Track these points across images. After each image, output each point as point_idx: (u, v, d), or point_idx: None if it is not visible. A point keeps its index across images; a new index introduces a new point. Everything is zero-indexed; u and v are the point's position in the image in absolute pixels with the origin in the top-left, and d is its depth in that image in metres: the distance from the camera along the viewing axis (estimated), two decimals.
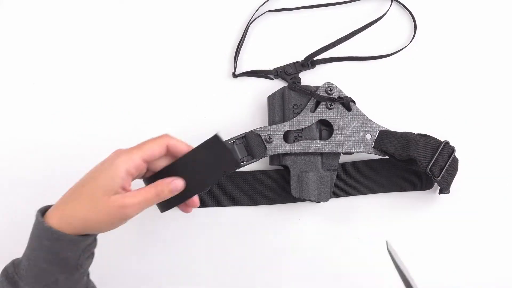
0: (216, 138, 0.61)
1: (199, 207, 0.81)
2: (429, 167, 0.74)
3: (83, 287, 0.64)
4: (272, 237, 0.82)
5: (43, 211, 0.61)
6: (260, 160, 0.77)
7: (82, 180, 0.61)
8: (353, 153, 0.78)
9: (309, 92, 0.78)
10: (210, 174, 0.63)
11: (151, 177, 0.63)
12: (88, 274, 0.65)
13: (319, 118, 0.78)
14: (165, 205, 0.64)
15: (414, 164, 0.75)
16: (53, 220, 0.59)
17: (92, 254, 0.64)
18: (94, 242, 0.63)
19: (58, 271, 0.60)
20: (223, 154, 0.62)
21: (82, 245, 0.60)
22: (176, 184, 0.61)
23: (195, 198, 0.65)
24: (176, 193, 0.62)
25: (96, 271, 0.66)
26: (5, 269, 0.62)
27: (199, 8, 0.86)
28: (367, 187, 0.82)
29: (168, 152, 0.62)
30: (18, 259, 0.63)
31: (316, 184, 0.78)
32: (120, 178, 0.59)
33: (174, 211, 0.82)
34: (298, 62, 0.84)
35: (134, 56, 0.85)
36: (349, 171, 0.81)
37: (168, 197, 0.61)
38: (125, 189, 0.60)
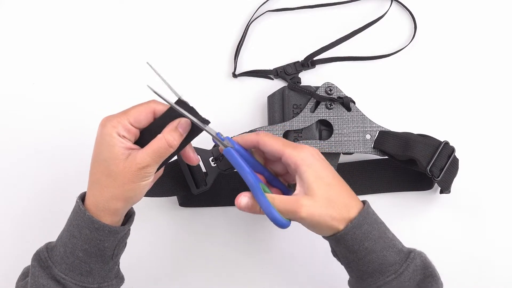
0: (172, 109, 0.60)
1: (199, 206, 0.82)
2: (429, 167, 0.73)
3: (114, 276, 0.65)
4: (272, 237, 0.82)
5: (83, 198, 0.61)
6: None
7: (92, 165, 0.60)
8: (352, 153, 0.78)
9: (309, 92, 0.78)
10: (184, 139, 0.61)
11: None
12: (118, 264, 0.66)
13: (319, 118, 0.78)
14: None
15: (414, 164, 0.75)
16: (91, 208, 0.60)
17: (125, 244, 0.65)
18: (128, 232, 0.64)
19: (94, 261, 0.61)
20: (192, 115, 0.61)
21: (119, 235, 0.61)
22: (183, 124, 0.60)
23: (192, 155, 0.64)
24: (185, 134, 0.60)
25: None
26: (38, 253, 0.62)
27: (199, 8, 0.86)
28: (367, 187, 0.82)
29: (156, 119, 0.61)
30: (51, 243, 0.63)
31: None
32: (118, 142, 0.58)
33: (174, 212, 0.82)
34: (298, 62, 0.84)
35: (134, 56, 0.85)
36: (349, 171, 0.81)
37: (180, 142, 0.60)
38: (131, 148, 0.59)
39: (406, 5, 0.86)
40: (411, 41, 0.85)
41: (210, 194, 0.80)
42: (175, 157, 0.64)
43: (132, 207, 0.65)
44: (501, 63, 0.85)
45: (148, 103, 0.61)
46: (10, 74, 0.85)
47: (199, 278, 0.81)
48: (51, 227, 0.66)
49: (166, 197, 0.81)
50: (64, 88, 0.85)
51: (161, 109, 0.60)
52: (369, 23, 0.84)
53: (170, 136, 0.59)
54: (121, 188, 0.58)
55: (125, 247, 0.65)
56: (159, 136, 0.59)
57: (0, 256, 0.81)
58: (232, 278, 0.81)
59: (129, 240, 0.67)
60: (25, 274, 0.64)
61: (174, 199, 0.82)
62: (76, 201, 0.61)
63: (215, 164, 0.74)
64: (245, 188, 0.81)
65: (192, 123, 0.61)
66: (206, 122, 0.62)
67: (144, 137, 0.60)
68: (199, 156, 0.74)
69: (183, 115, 0.60)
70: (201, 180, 0.74)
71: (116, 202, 0.59)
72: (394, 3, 0.86)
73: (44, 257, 0.61)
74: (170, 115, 0.60)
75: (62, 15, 0.86)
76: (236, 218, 0.82)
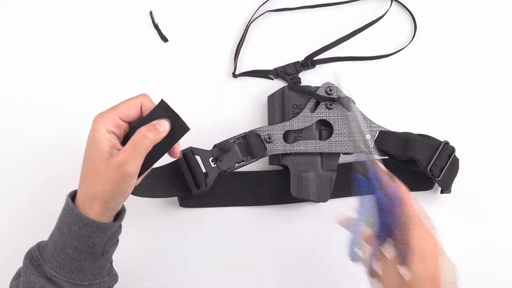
0: (163, 104, 0.60)
1: (199, 207, 0.82)
2: (429, 167, 0.74)
3: (106, 273, 0.64)
4: (272, 237, 0.82)
5: (72, 196, 0.61)
6: (260, 160, 0.77)
7: (82, 161, 0.60)
8: (353, 153, 0.78)
9: (309, 92, 0.78)
10: (167, 139, 0.61)
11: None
12: (111, 261, 0.66)
13: (319, 118, 0.78)
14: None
15: (414, 164, 0.75)
16: (80, 205, 0.60)
17: (117, 241, 0.65)
18: (119, 229, 0.64)
19: (84, 258, 0.61)
20: (173, 120, 0.61)
21: (109, 232, 0.61)
22: (162, 123, 0.59)
23: (177, 149, 0.63)
24: (163, 134, 0.59)
25: None
26: (30, 252, 0.62)
27: (199, 8, 0.86)
28: None
29: (142, 113, 0.61)
30: (43, 242, 0.63)
31: (316, 184, 0.77)
32: (105, 139, 0.58)
33: (174, 212, 0.82)
34: (298, 62, 0.84)
35: (134, 56, 0.85)
36: (349, 171, 0.81)
37: (157, 140, 0.59)
38: (117, 149, 0.59)
39: (406, 5, 0.86)
40: (411, 41, 0.85)
41: (210, 194, 0.80)
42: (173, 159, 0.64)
43: (123, 205, 0.65)
44: (501, 63, 0.85)
45: (137, 97, 0.61)
46: (10, 74, 0.85)
47: (199, 278, 0.81)
48: (46, 227, 0.66)
49: (166, 198, 0.81)
50: (64, 88, 0.85)
51: (148, 103, 0.61)
52: (369, 23, 0.84)
53: (145, 128, 0.59)
54: (102, 187, 0.58)
55: (117, 244, 0.65)
56: (137, 130, 0.59)
57: None
58: (232, 278, 0.81)
59: (129, 240, 0.67)
60: (19, 274, 0.64)
61: (174, 199, 0.82)
62: (66, 199, 0.61)
63: (215, 165, 0.74)
64: (245, 188, 0.82)
65: (178, 124, 0.61)
66: (187, 127, 0.61)
67: (131, 135, 0.60)
68: (199, 156, 0.74)
69: (168, 114, 0.60)
70: (202, 181, 0.74)
71: (99, 201, 0.59)
72: (394, 3, 0.86)
73: (36, 256, 0.61)
74: (156, 114, 0.60)
75: (62, 15, 0.86)
76: (236, 218, 0.82)
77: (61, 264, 0.60)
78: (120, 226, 0.64)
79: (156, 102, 0.61)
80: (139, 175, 0.61)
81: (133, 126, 0.61)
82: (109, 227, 0.61)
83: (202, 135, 0.64)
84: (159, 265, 0.82)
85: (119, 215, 0.64)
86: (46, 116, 0.84)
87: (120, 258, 0.68)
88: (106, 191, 0.58)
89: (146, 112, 0.61)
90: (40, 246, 0.63)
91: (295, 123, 0.77)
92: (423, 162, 0.74)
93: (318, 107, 0.78)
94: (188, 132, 0.61)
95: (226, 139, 0.76)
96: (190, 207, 0.82)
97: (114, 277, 0.66)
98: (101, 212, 0.60)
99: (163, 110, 0.60)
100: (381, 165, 0.63)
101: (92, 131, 0.59)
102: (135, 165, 0.58)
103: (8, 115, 0.84)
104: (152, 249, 0.82)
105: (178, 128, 0.61)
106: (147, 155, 0.59)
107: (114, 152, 0.58)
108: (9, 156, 0.83)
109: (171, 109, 0.61)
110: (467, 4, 0.86)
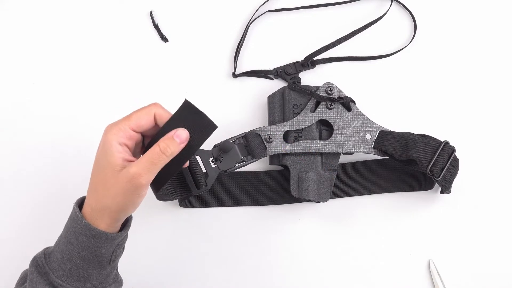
0: (187, 104, 0.60)
1: (200, 207, 0.82)
2: (429, 167, 0.74)
3: (112, 280, 0.65)
4: (272, 237, 0.82)
5: (79, 203, 0.61)
6: (260, 160, 0.78)
7: (92, 171, 0.60)
8: (353, 153, 0.78)
9: (309, 92, 0.78)
10: (194, 140, 0.61)
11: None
12: (117, 268, 0.66)
13: (319, 118, 0.78)
14: (158, 183, 0.62)
15: (414, 164, 0.75)
16: (87, 215, 0.60)
17: (123, 248, 0.65)
18: (126, 237, 0.64)
19: (91, 267, 0.61)
20: (199, 119, 0.61)
21: (116, 241, 0.61)
22: (180, 134, 0.59)
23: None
24: (182, 145, 0.59)
25: None
26: (35, 259, 0.62)
27: (199, 8, 0.86)
28: (367, 187, 0.82)
29: (157, 122, 0.61)
30: (49, 248, 0.63)
31: (316, 184, 0.78)
32: (116, 152, 0.58)
33: (174, 212, 0.82)
34: (298, 62, 0.84)
35: (134, 56, 0.85)
36: (349, 171, 0.81)
37: (176, 153, 0.59)
38: (128, 161, 0.59)
39: (406, 5, 0.86)
40: (411, 41, 0.85)
41: (210, 195, 0.80)
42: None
43: None
44: (501, 63, 0.85)
45: (149, 107, 0.61)
46: (10, 74, 0.85)
47: (199, 278, 0.81)
48: (51, 230, 0.66)
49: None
50: (65, 88, 0.85)
51: (161, 112, 0.60)
52: (369, 23, 0.84)
53: (163, 143, 0.58)
54: (112, 199, 0.58)
55: (123, 251, 0.65)
56: (154, 144, 0.59)
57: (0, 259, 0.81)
58: (232, 279, 0.81)
59: (128, 241, 0.67)
60: (23, 279, 0.64)
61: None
62: (73, 208, 0.61)
63: (215, 165, 0.74)
64: (245, 188, 0.82)
65: (205, 122, 0.61)
66: (214, 125, 0.62)
67: (153, 143, 0.60)
68: (199, 156, 0.74)
69: (193, 113, 0.60)
70: (202, 181, 0.74)
71: (108, 212, 0.59)
72: (394, 3, 0.86)
73: (42, 263, 0.61)
74: (181, 115, 0.60)
75: (62, 15, 0.86)
76: (236, 218, 0.82)
77: (67, 273, 0.60)
78: (127, 234, 0.64)
79: (168, 108, 0.61)
80: (165, 181, 0.61)
81: (158, 132, 0.60)
82: (117, 237, 0.61)
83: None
84: (159, 265, 0.81)
85: (126, 223, 0.64)
86: (47, 117, 0.84)
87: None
88: (117, 204, 0.58)
89: (160, 121, 0.61)
90: (46, 254, 0.62)
91: (295, 123, 0.77)
92: (423, 162, 0.74)
93: (318, 107, 0.78)
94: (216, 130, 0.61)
95: (226, 139, 0.76)
96: (190, 207, 0.82)
97: (119, 283, 0.66)
98: (110, 223, 0.60)
99: (188, 109, 0.60)
100: None
101: (103, 142, 0.59)
102: (149, 178, 0.58)
103: (8, 115, 0.84)
104: (152, 249, 0.82)
105: (205, 126, 0.61)
106: (175, 159, 0.59)
107: (125, 164, 0.58)
108: (9, 157, 0.83)
109: (196, 108, 0.60)
110: (467, 4, 0.86)
